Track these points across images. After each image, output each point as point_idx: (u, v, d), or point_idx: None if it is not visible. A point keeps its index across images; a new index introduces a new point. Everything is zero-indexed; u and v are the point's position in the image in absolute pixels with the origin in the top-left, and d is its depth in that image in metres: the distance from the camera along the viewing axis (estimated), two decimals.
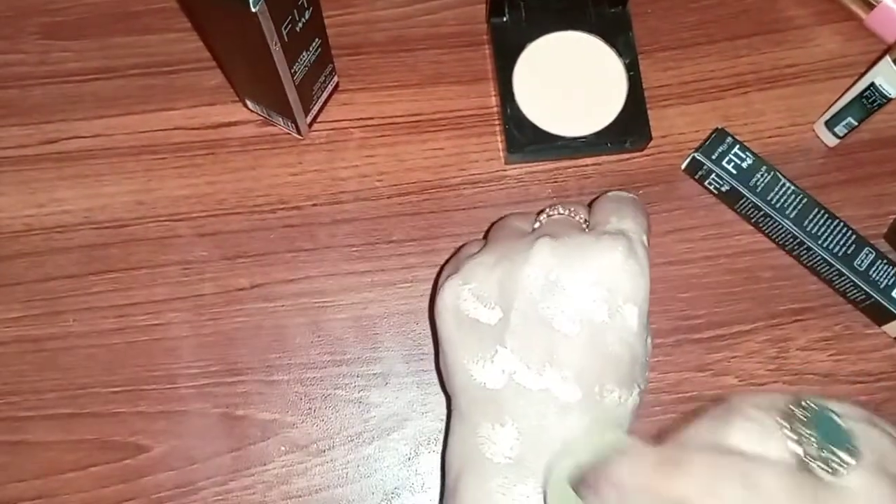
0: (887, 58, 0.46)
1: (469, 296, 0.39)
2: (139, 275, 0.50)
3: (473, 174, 0.52)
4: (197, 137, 0.52)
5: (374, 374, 0.49)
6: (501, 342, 0.37)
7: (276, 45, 0.41)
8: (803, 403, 0.30)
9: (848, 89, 0.50)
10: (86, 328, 0.49)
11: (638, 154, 0.53)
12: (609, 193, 0.44)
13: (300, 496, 0.47)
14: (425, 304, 0.50)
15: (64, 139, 0.52)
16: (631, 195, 0.43)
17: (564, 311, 0.37)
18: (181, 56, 0.53)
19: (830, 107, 0.51)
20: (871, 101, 0.48)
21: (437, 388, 0.48)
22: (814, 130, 0.53)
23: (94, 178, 0.51)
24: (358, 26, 0.54)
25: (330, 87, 0.52)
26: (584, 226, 0.42)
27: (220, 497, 0.46)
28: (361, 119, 0.53)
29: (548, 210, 0.43)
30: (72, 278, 0.49)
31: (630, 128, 0.51)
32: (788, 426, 0.29)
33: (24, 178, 0.51)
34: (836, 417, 0.29)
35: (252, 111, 0.52)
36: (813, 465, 0.28)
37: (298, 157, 0.52)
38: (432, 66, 0.54)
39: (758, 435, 0.29)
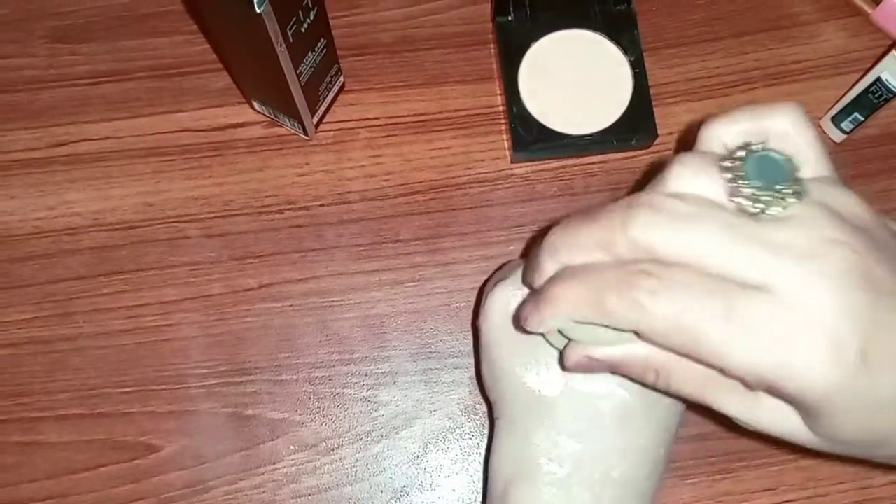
0: (893, 52, 0.46)
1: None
2: (148, 276, 0.50)
3: (480, 173, 0.52)
4: (205, 139, 0.52)
5: (383, 372, 0.49)
6: None
7: (281, 45, 0.41)
8: (749, 145, 0.29)
9: (854, 85, 0.50)
10: (96, 329, 0.49)
11: (644, 151, 0.53)
12: None
13: (309, 495, 0.47)
14: (432, 304, 0.50)
15: (73, 142, 0.52)
16: None
17: None
18: (188, 58, 0.54)
19: (837, 102, 0.51)
20: (877, 96, 0.48)
21: (445, 387, 0.48)
22: (820, 126, 0.53)
23: (103, 181, 0.51)
24: (363, 27, 0.54)
25: (336, 88, 0.52)
26: None
27: (230, 496, 0.47)
28: (367, 119, 0.53)
29: None
30: (82, 280, 0.50)
31: (636, 125, 0.51)
32: (728, 167, 0.28)
33: (33, 180, 0.51)
34: (777, 157, 0.29)
35: (259, 112, 0.52)
36: (745, 203, 0.28)
37: (305, 158, 0.52)
38: (438, 65, 0.54)
39: (692, 177, 0.29)
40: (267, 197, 0.51)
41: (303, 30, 0.43)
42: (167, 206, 0.51)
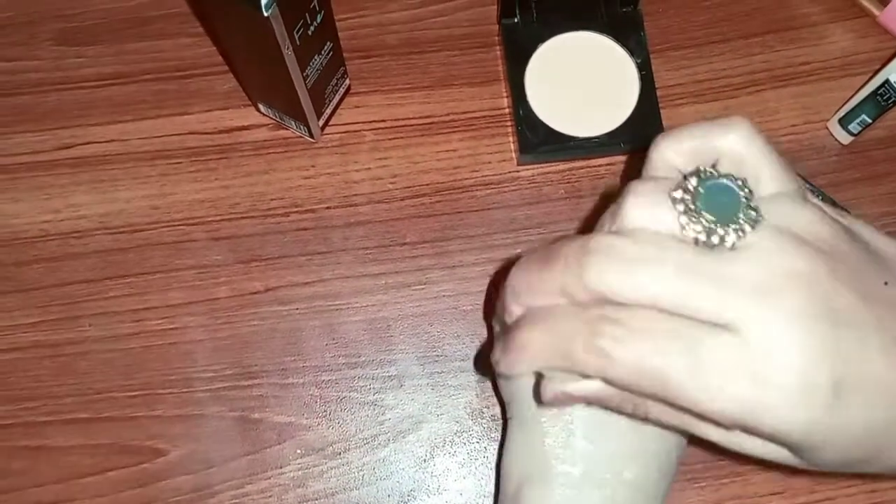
0: None
1: None
2: (154, 279, 0.50)
3: (486, 175, 0.52)
4: (210, 142, 0.52)
5: (389, 376, 0.49)
6: None
7: (288, 49, 0.41)
8: (700, 172, 0.28)
9: (862, 87, 0.49)
10: (102, 333, 0.49)
11: None
12: None
13: (316, 499, 0.47)
14: (439, 307, 0.50)
15: (79, 145, 0.52)
16: None
17: None
18: (194, 61, 0.54)
19: (844, 104, 0.51)
20: (885, 98, 0.48)
21: (453, 391, 0.48)
22: (828, 128, 0.53)
23: (109, 184, 0.51)
24: (369, 29, 0.54)
25: (342, 90, 0.52)
26: None
27: (236, 500, 0.47)
28: (374, 121, 0.53)
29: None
30: (88, 283, 0.50)
31: (643, 127, 0.51)
32: (679, 198, 0.28)
33: (39, 183, 0.51)
34: (730, 184, 0.28)
35: (265, 115, 0.52)
36: (700, 236, 0.27)
37: (311, 161, 0.52)
38: (444, 67, 0.54)
39: (645, 211, 0.28)
40: (273, 200, 0.51)
41: (310, 33, 0.42)
42: (173, 209, 0.51)
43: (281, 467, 0.47)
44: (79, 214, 0.51)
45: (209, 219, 0.51)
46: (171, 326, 0.49)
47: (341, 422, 0.48)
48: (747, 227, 0.27)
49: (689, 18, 0.55)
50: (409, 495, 0.47)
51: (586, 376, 0.29)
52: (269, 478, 0.47)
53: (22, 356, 0.49)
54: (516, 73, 0.51)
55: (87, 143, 0.52)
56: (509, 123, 0.53)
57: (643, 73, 0.52)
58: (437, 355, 0.49)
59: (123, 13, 0.55)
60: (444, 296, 0.50)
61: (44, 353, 0.49)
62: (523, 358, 0.30)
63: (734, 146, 0.29)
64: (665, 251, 0.27)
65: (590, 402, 0.31)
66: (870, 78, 0.49)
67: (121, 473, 0.47)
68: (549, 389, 0.31)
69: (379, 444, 0.48)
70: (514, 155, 0.52)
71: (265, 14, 0.38)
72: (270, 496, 0.47)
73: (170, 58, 0.54)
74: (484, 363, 0.48)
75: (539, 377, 0.32)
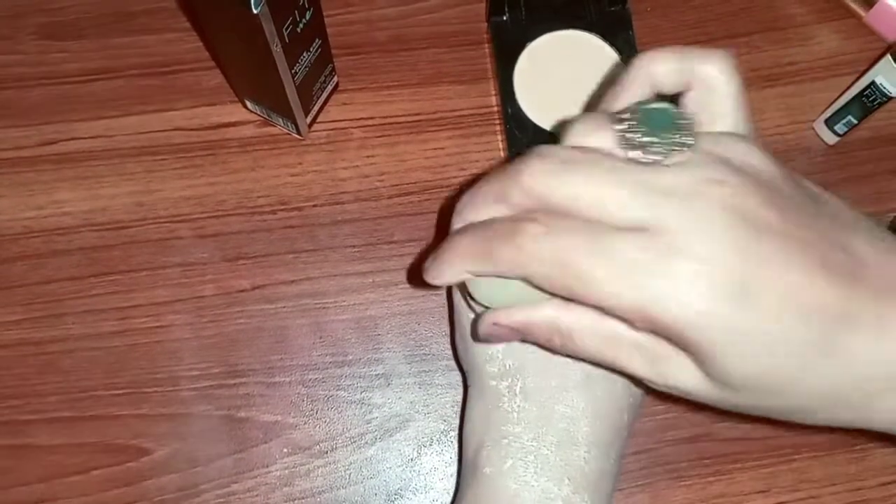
0: (888, 56, 0.46)
1: None
2: (140, 277, 0.49)
3: (474, 174, 0.52)
4: (197, 138, 0.52)
5: (377, 374, 0.49)
6: None
7: (277, 46, 0.41)
8: (644, 101, 0.30)
9: (848, 88, 0.50)
10: (87, 331, 0.48)
11: None
12: None
13: (303, 498, 0.47)
14: (427, 305, 0.50)
15: (63, 140, 0.52)
16: None
17: None
18: (180, 56, 0.53)
19: (830, 105, 0.51)
20: (871, 99, 0.48)
21: (440, 389, 0.48)
22: (814, 129, 0.53)
23: (93, 180, 0.51)
24: (358, 26, 0.54)
25: (330, 87, 0.51)
26: None
27: (222, 499, 0.46)
28: (362, 119, 0.53)
29: None
30: (72, 281, 0.49)
31: None
32: (620, 118, 0.30)
33: (22, 180, 0.51)
34: (669, 109, 0.30)
35: (252, 111, 0.52)
36: (634, 152, 0.29)
37: (298, 158, 0.52)
38: (432, 65, 0.54)
39: (589, 132, 0.30)
40: (260, 197, 0.51)
41: (298, 30, 0.42)
42: (159, 206, 0.51)
43: (267, 466, 0.47)
44: (63, 211, 0.50)
45: (195, 216, 0.50)
46: (157, 324, 0.49)
47: (328, 420, 0.48)
48: (679, 147, 0.29)
49: (677, 18, 0.55)
50: (396, 494, 0.47)
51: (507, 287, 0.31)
52: (256, 477, 0.47)
53: (5, 354, 0.48)
54: (505, 71, 0.51)
55: (71, 139, 0.52)
56: (497, 122, 0.52)
57: None
58: (425, 354, 0.49)
59: (108, 7, 0.54)
60: (431, 295, 0.50)
61: (27, 350, 0.48)
62: (449, 260, 0.31)
63: (713, 76, 0.31)
64: (600, 159, 0.29)
65: (521, 335, 0.33)
66: (856, 79, 0.49)
67: (105, 472, 0.47)
68: (482, 324, 0.33)
69: (366, 442, 0.48)
70: (502, 153, 0.52)
71: (254, 11, 0.37)
72: (257, 495, 0.47)
73: (155, 53, 0.53)
74: (417, 274, 0.49)
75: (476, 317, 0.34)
